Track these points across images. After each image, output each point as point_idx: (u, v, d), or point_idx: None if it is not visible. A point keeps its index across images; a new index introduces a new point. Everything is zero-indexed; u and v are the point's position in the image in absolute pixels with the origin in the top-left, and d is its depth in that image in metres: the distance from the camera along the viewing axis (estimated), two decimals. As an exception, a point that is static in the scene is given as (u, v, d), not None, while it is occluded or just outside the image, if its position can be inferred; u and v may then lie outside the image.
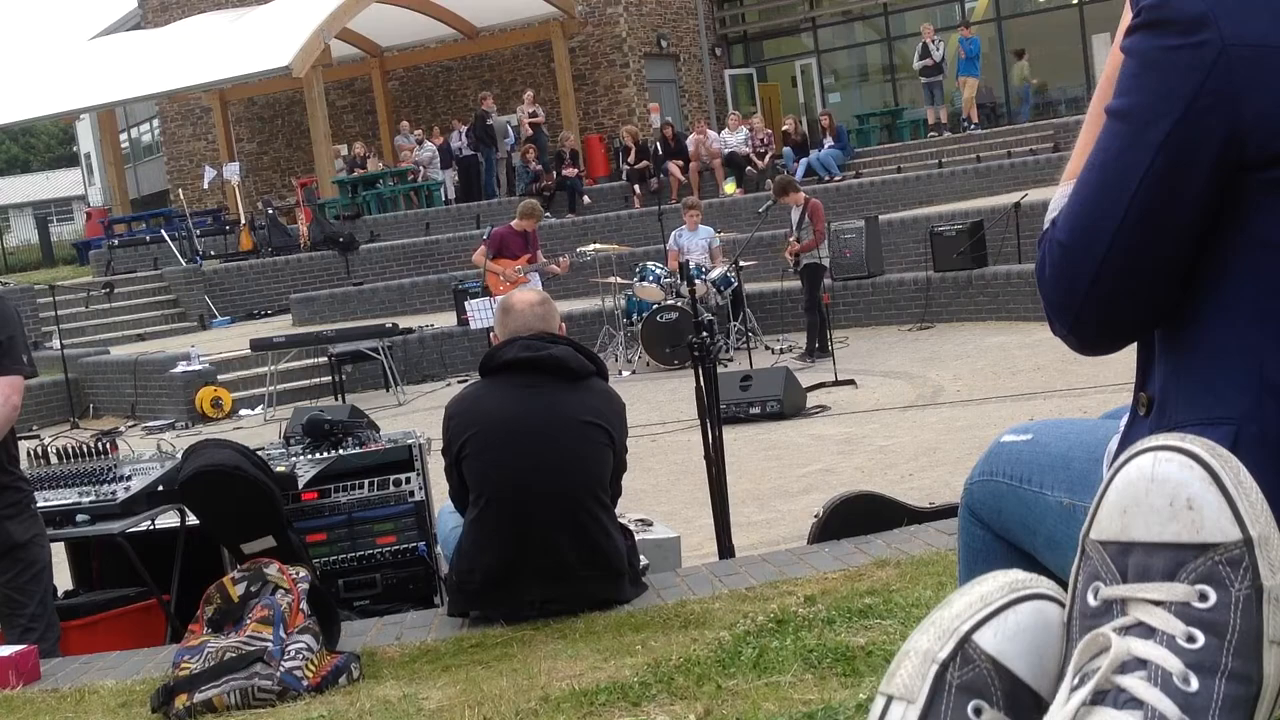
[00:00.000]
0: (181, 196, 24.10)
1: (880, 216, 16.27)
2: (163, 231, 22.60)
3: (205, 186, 25.85)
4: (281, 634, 3.49)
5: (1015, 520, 1.61)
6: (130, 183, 31.42)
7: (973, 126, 22.30)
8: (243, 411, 14.15)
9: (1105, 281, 1.39)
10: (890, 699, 1.21)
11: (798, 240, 13.14)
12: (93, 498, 5.23)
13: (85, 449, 5.52)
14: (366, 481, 5.34)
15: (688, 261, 13.48)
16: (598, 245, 15.91)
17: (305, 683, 3.42)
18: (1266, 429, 1.34)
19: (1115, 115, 1.39)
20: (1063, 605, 1.25)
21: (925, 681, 1.20)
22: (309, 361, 14.94)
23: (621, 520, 4.32)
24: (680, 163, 21.61)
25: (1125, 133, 1.37)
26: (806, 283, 13.14)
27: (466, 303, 13.88)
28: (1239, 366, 1.36)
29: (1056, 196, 1.47)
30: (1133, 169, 1.36)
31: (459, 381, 13.63)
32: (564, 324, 4.44)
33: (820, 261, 13.14)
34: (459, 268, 18.86)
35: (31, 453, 5.52)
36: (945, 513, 4.83)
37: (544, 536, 3.97)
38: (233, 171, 23.27)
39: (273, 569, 3.69)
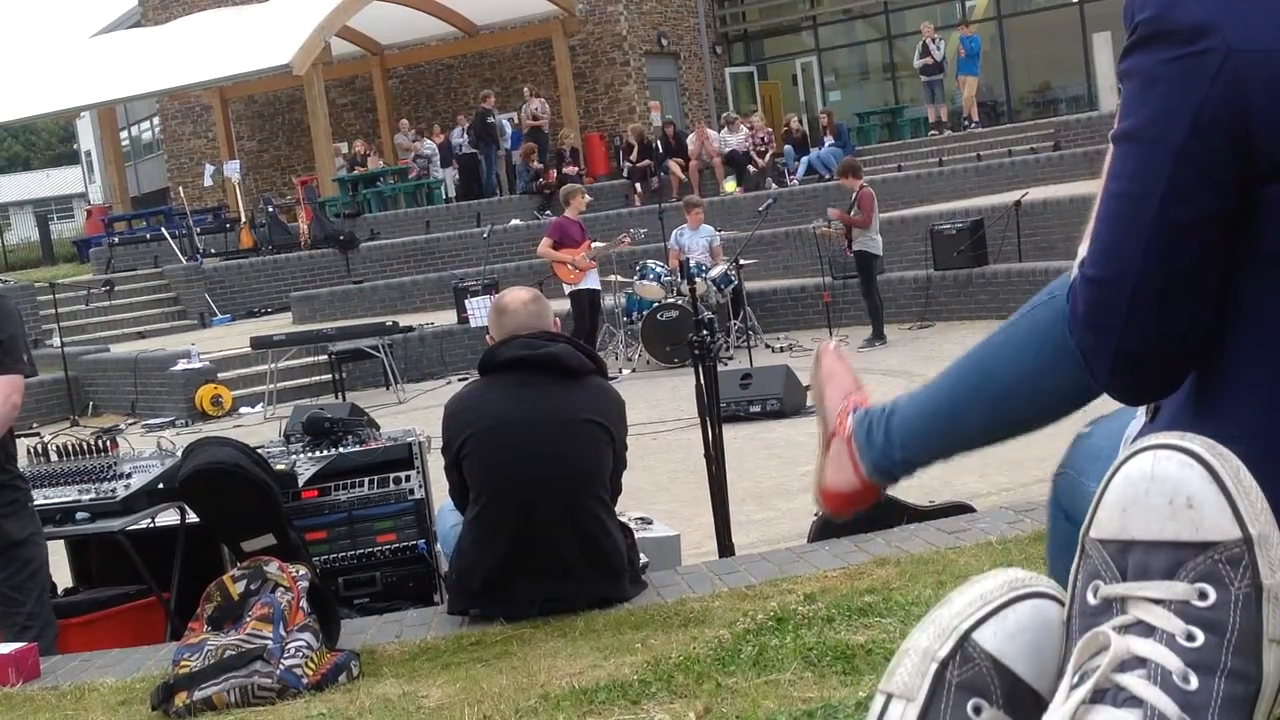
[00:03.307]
0: (182, 194, 24.07)
1: (880, 215, 16.24)
2: (163, 229, 22.55)
3: (206, 184, 25.84)
4: (281, 632, 3.49)
5: (1080, 511, 1.61)
6: (130, 180, 31.39)
7: (973, 125, 22.30)
8: (243, 409, 14.14)
9: (1140, 311, 1.32)
10: (890, 697, 1.21)
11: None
12: (93, 495, 5.23)
13: (85, 447, 5.52)
14: (366, 480, 5.34)
15: (688, 260, 13.52)
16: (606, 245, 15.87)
17: (305, 680, 3.42)
18: (1272, 447, 1.30)
19: (1123, 139, 1.33)
20: (1062, 604, 1.25)
21: (925, 680, 1.20)
22: (309, 359, 14.93)
23: (621, 518, 4.32)
24: (681, 161, 21.58)
25: (1136, 154, 1.31)
26: (859, 270, 13.35)
27: (466, 301, 13.90)
28: (1247, 383, 1.33)
29: (1080, 250, 1.40)
30: (1150, 189, 1.30)
31: (459, 379, 13.62)
32: (558, 320, 4.44)
33: (871, 250, 13.30)
34: (459, 265, 18.85)
35: (31, 450, 5.52)
36: (944, 511, 4.83)
37: (544, 535, 3.97)
38: (233, 169, 23.25)
39: (273, 567, 3.69)
